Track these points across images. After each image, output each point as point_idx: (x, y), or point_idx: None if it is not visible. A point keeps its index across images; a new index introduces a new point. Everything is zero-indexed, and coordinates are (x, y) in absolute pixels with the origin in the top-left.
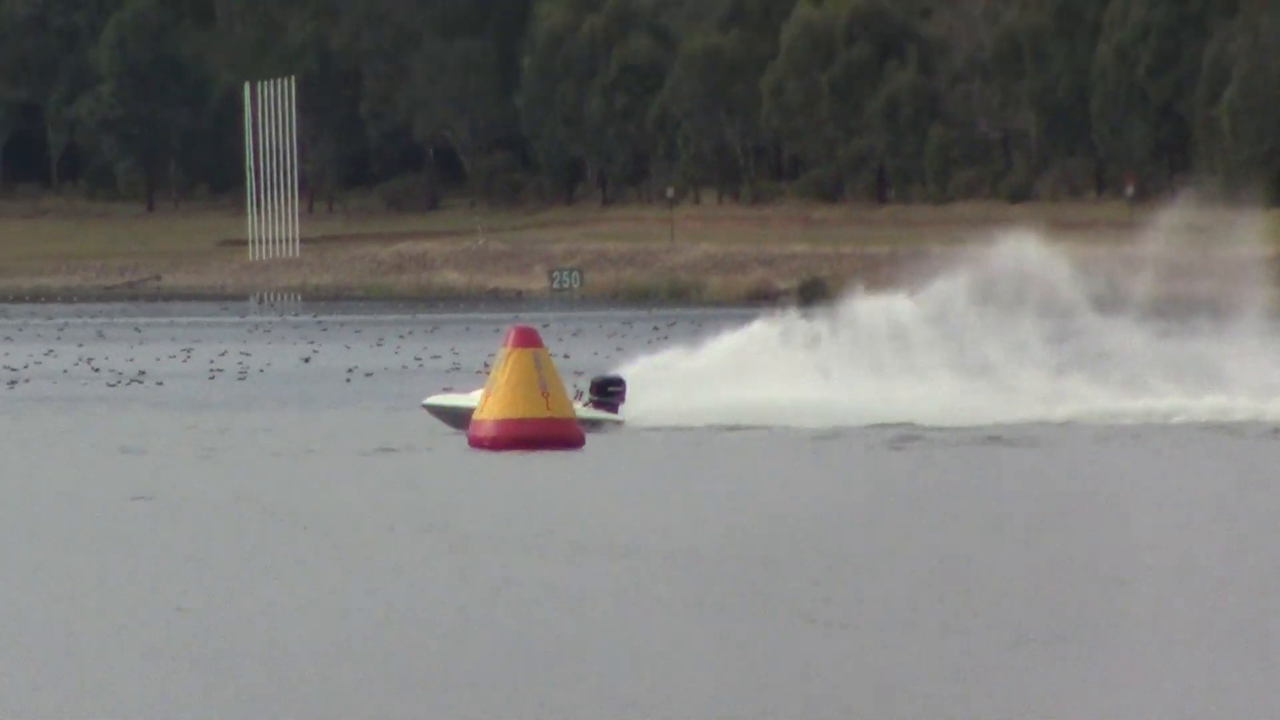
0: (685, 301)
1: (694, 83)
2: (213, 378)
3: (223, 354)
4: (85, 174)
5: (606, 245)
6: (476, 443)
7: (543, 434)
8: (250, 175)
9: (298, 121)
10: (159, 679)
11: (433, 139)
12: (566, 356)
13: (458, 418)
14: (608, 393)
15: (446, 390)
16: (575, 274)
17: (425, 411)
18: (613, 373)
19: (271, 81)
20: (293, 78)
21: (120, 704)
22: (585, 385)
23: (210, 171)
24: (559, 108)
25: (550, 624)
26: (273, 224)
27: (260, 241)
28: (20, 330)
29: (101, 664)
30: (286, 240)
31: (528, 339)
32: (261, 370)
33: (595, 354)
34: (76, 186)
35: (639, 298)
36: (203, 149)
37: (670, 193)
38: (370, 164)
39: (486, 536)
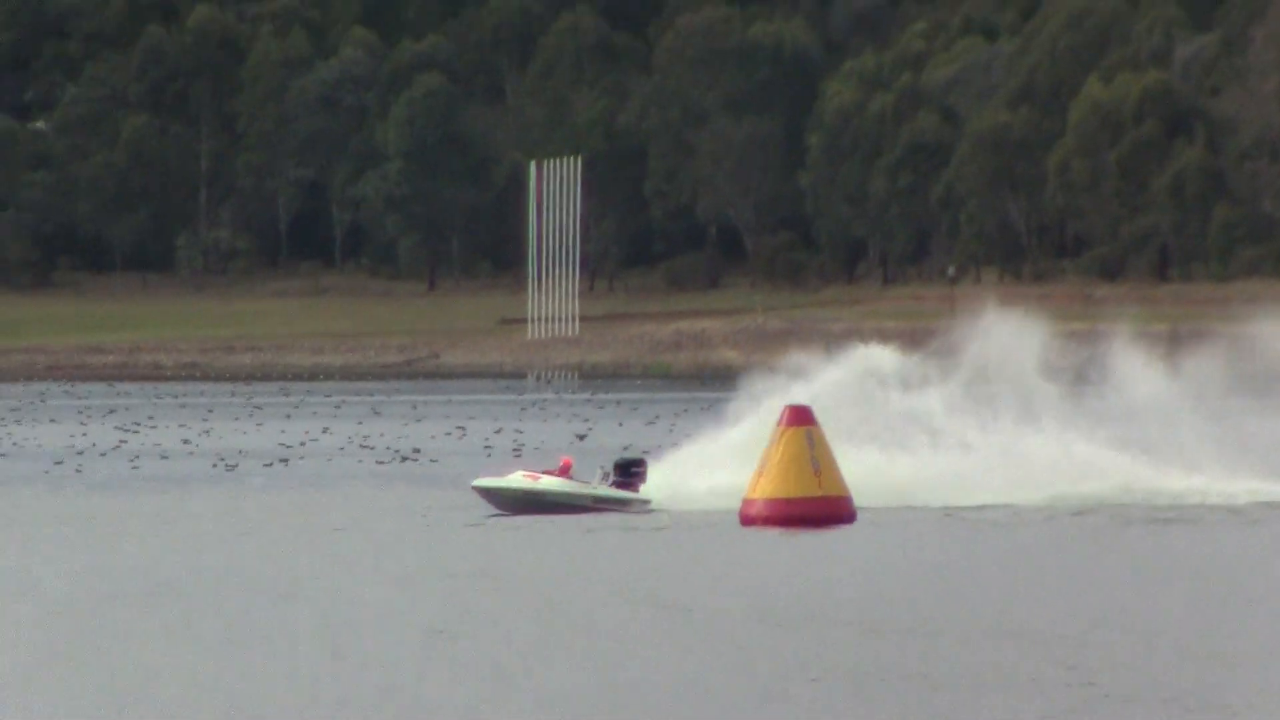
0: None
1: (980, 160)
2: (487, 455)
3: (497, 431)
4: (367, 252)
5: (886, 324)
6: (749, 521)
7: (815, 512)
8: (533, 254)
9: (582, 200)
10: None
11: (716, 218)
12: None
13: (503, 499)
14: (630, 473)
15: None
16: None
17: (475, 493)
18: (635, 454)
19: (557, 160)
20: (579, 156)
21: None
22: (609, 466)
23: (492, 249)
24: (843, 187)
25: (786, 696)
26: (553, 302)
27: (539, 320)
28: (297, 407)
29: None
30: (566, 318)
31: (801, 418)
32: (536, 448)
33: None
34: (359, 264)
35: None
36: (486, 227)
37: (951, 271)
38: (653, 242)
39: (743, 611)
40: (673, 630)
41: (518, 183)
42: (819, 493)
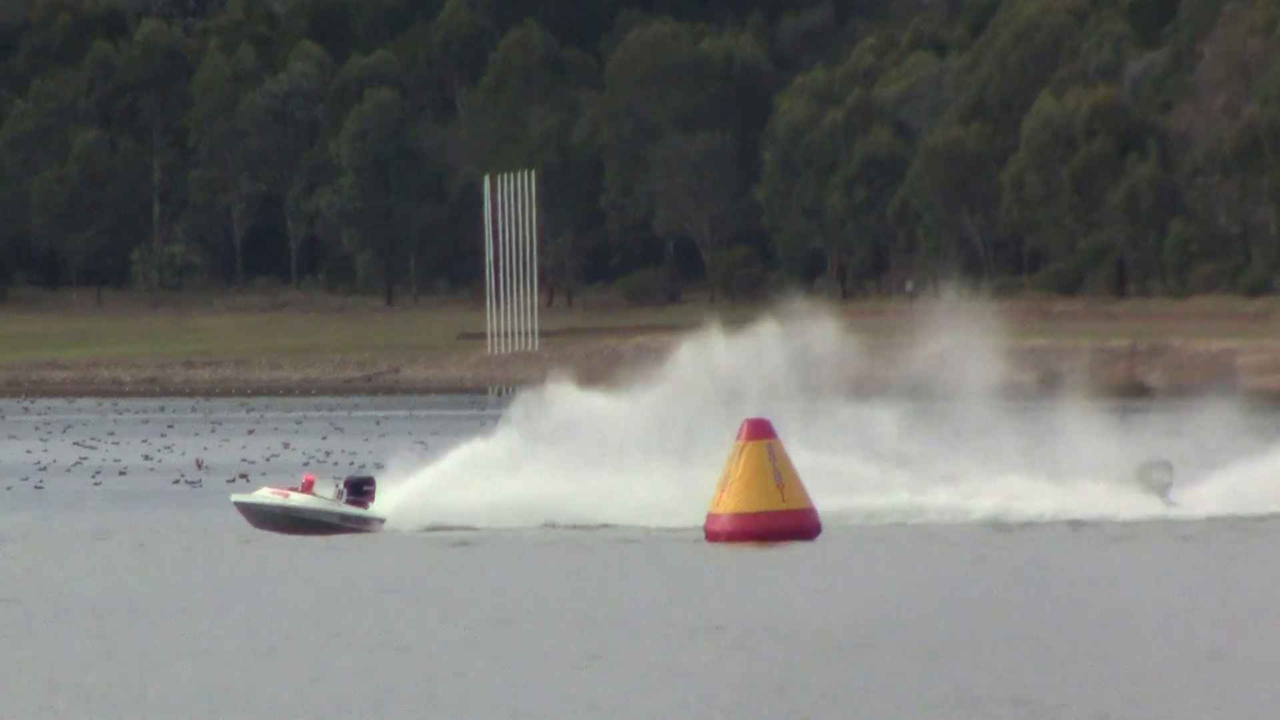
0: (926, 395)
1: (935, 176)
2: None
3: None
4: (324, 267)
5: (846, 338)
6: (713, 536)
7: (778, 526)
8: (490, 269)
9: (538, 214)
10: None
11: (673, 232)
12: None
13: (260, 515)
14: (361, 491)
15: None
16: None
17: (235, 508)
18: (365, 474)
19: (512, 174)
20: (533, 170)
21: None
22: (342, 484)
23: (450, 264)
24: (799, 201)
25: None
26: (512, 317)
27: (499, 335)
28: (259, 423)
29: None
30: (525, 334)
31: (761, 431)
32: None
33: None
34: (316, 279)
35: (878, 390)
36: (442, 242)
37: (910, 286)
38: (610, 257)
39: (699, 628)
40: (637, 649)
41: (473, 197)
42: (783, 506)
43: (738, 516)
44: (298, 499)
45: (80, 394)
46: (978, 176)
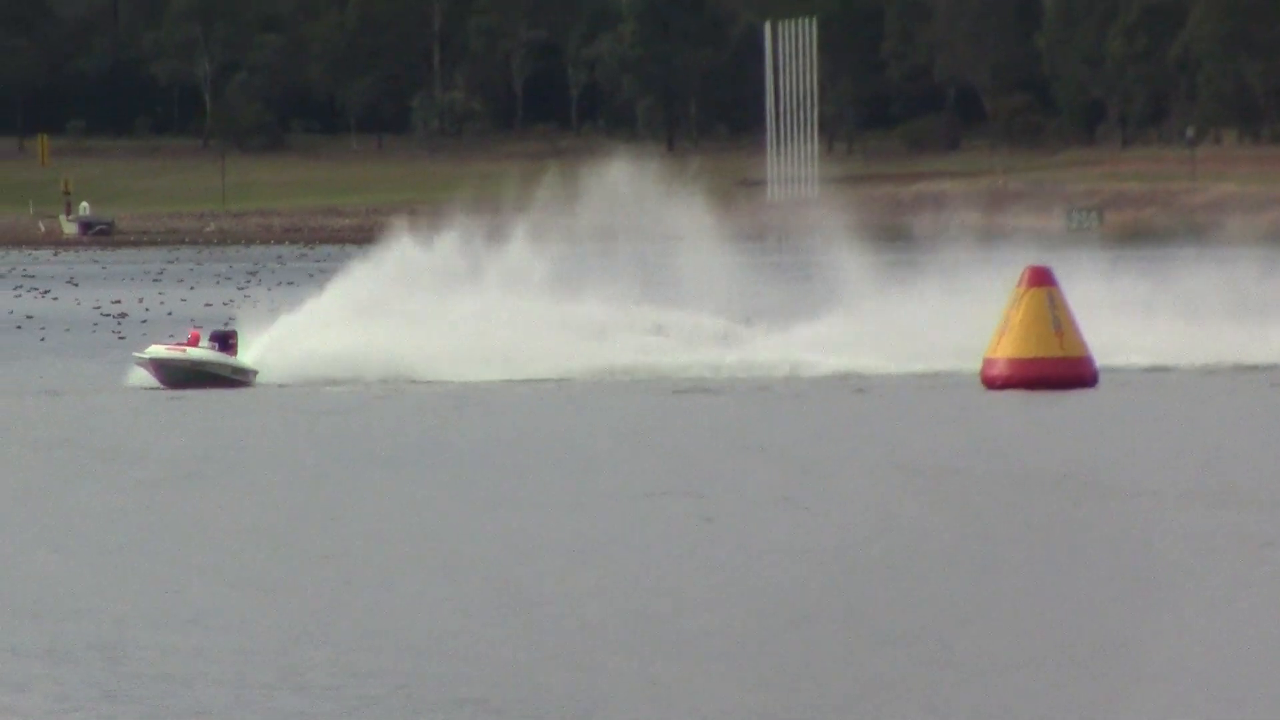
0: (1203, 242)
1: (1215, 23)
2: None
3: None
4: (604, 113)
5: (1126, 185)
6: (990, 381)
7: (1055, 373)
8: (770, 115)
9: (818, 61)
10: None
11: (953, 80)
12: None
13: (167, 371)
14: (228, 344)
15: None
16: (1093, 214)
17: (139, 364)
18: (229, 326)
19: (792, 21)
20: (814, 17)
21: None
22: (209, 339)
23: (729, 111)
24: (1079, 48)
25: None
26: (791, 164)
27: (778, 181)
28: None
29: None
30: (804, 180)
31: (1042, 279)
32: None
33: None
34: (595, 126)
35: (1157, 238)
36: (722, 88)
37: (1190, 133)
38: (890, 104)
39: (993, 476)
40: (913, 493)
41: (753, 44)
42: (1060, 353)
43: (1014, 362)
44: (196, 353)
45: (360, 241)
46: (1259, 23)
